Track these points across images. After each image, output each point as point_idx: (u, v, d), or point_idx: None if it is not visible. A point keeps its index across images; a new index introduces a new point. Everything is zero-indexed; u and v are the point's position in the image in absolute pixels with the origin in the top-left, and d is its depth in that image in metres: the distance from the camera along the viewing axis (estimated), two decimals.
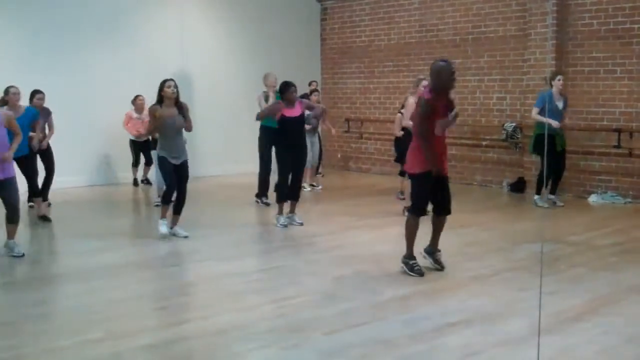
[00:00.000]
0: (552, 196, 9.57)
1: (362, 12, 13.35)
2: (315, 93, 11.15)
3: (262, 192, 9.66)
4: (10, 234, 6.74)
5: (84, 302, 5.31)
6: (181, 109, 7.38)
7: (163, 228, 7.47)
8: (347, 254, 6.73)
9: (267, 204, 9.44)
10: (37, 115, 8.34)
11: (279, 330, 4.69)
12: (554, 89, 9.25)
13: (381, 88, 13.01)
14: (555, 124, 8.98)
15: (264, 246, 7.60)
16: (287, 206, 8.25)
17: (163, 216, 7.49)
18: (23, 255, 6.67)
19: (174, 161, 7.39)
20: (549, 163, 9.20)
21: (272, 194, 9.03)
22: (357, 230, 7.89)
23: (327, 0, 13.97)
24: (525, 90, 10.73)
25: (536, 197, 9.47)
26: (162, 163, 7.45)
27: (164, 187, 7.57)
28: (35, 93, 8.96)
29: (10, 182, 6.54)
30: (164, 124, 7.28)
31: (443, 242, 6.91)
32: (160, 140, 7.46)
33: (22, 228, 8.03)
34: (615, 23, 9.81)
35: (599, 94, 10.08)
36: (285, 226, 8.08)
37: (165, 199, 7.49)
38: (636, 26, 9.63)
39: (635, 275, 6.03)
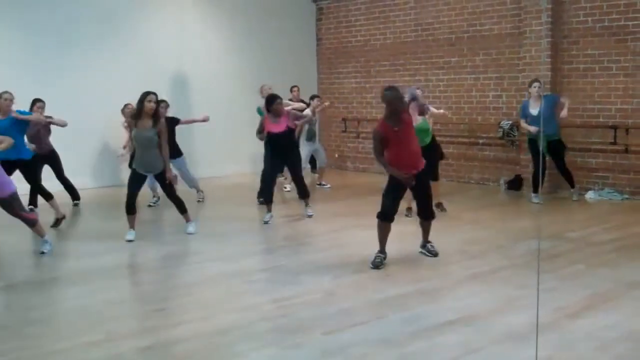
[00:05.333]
0: (536, 194, 9.47)
1: (358, 12, 13.36)
2: (295, 89, 11.48)
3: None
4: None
5: (84, 304, 5.31)
6: (157, 122, 7.36)
7: (129, 236, 7.43)
8: (346, 253, 6.74)
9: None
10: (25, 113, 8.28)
11: (280, 330, 4.70)
12: (530, 97, 9.40)
13: (377, 87, 12.97)
14: (533, 129, 9.17)
15: (264, 246, 7.61)
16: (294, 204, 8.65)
17: (131, 227, 7.49)
18: (43, 253, 6.83)
19: (146, 172, 7.46)
20: (538, 163, 9.20)
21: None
22: (356, 229, 7.90)
23: (323, 0, 13.99)
24: (521, 88, 10.74)
25: (533, 195, 9.53)
26: (131, 174, 7.54)
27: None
28: (35, 102, 8.96)
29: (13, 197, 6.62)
30: (136, 138, 7.36)
31: (441, 241, 6.95)
32: (135, 153, 7.61)
33: (20, 230, 8.03)
34: (610, 20, 9.84)
35: (594, 91, 10.11)
36: (267, 223, 8.31)
37: (126, 210, 7.45)
38: (631, 23, 9.65)
39: (634, 271, 6.04)
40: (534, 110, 9.29)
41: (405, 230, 7.28)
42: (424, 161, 6.45)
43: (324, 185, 11.36)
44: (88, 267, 6.42)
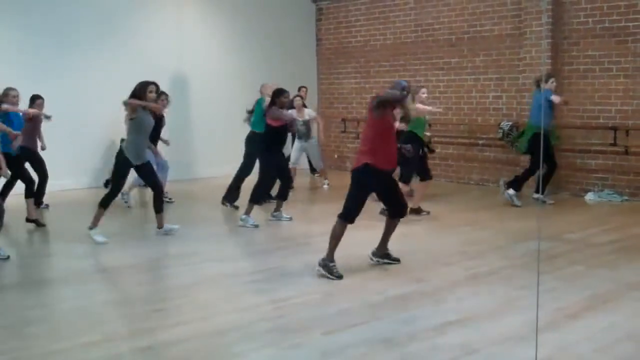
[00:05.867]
0: (539, 195, 9.27)
1: (358, 12, 13.36)
2: (303, 89, 11.59)
3: (233, 195, 9.48)
4: None
5: (82, 305, 5.30)
6: (154, 112, 7.47)
7: (99, 237, 7.27)
8: (345, 254, 6.70)
9: (236, 207, 9.29)
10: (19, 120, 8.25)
11: (278, 330, 4.69)
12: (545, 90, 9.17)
13: (377, 88, 12.95)
14: (560, 99, 8.95)
15: (262, 247, 7.59)
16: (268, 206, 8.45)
17: (96, 224, 7.34)
18: (8, 257, 6.58)
19: (138, 162, 7.35)
20: (542, 161, 9.17)
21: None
22: (355, 230, 7.82)
23: (322, 0, 13.98)
24: (522, 89, 10.75)
25: (512, 192, 9.37)
26: (124, 166, 7.31)
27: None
28: (35, 98, 8.93)
29: None
30: (142, 122, 7.28)
31: (441, 241, 6.95)
32: (131, 140, 7.32)
33: (20, 230, 8.03)
34: (611, 21, 9.83)
35: (594, 92, 10.11)
36: (257, 226, 8.10)
37: (105, 203, 7.33)
38: (631, 24, 9.65)
39: (633, 272, 6.04)
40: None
41: (404, 231, 7.26)
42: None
43: (324, 184, 11.37)
44: (86, 268, 6.41)
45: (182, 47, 12.30)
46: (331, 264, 5.98)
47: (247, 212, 8.19)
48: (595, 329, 4.61)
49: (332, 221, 8.49)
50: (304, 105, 11.02)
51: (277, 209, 8.48)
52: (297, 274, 6.10)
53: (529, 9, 10.60)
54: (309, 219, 8.72)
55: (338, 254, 6.63)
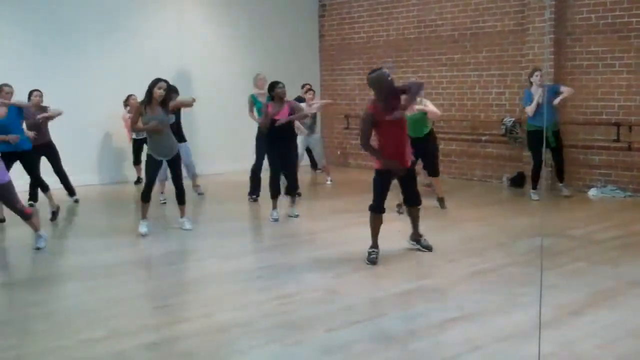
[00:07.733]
0: (560, 184, 9.76)
1: (361, 9, 13.34)
2: (310, 92, 11.09)
3: (253, 189, 9.69)
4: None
5: (86, 301, 5.32)
6: (166, 106, 7.44)
7: (143, 228, 7.50)
8: (348, 250, 6.74)
9: (255, 200, 9.59)
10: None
11: (281, 327, 4.70)
12: (533, 86, 9.40)
13: None
14: (531, 109, 9.32)
15: (265, 243, 7.61)
16: (283, 201, 8.48)
17: (143, 216, 7.56)
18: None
19: (161, 158, 7.52)
20: (542, 158, 9.22)
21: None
22: (358, 226, 7.87)
23: None
24: (524, 85, 10.70)
25: (532, 191, 9.56)
26: (147, 161, 7.59)
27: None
28: (33, 92, 8.96)
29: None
30: (157, 122, 7.35)
31: (444, 238, 6.95)
32: (148, 139, 7.59)
33: (24, 226, 8.05)
34: (614, 17, 9.81)
35: (597, 88, 10.09)
36: (277, 220, 8.22)
37: (143, 197, 7.52)
38: (634, 20, 9.62)
39: (635, 269, 6.03)
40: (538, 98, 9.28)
41: (405, 228, 7.27)
42: (412, 157, 6.46)
43: (327, 180, 11.38)
44: (90, 264, 6.43)
45: (183, 44, 12.27)
46: (369, 249, 6.34)
47: (273, 207, 8.35)
48: (598, 325, 4.61)
49: (335, 217, 8.58)
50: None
51: (292, 202, 8.60)
52: (300, 271, 6.12)
53: (531, 5, 10.58)
54: (313, 215, 8.73)
55: (340, 250, 6.66)
